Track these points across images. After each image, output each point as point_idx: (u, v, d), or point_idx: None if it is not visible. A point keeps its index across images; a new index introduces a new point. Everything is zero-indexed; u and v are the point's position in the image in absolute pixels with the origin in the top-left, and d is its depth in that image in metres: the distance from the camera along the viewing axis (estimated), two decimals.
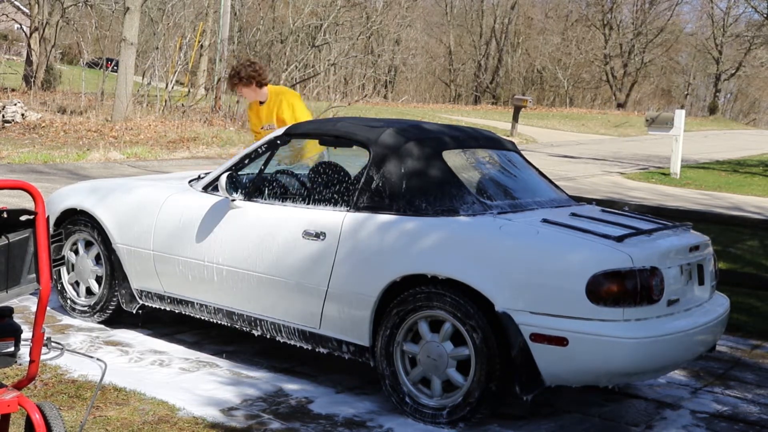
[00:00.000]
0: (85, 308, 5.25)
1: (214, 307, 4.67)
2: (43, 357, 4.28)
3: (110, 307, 5.14)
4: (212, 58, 27.51)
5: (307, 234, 4.30)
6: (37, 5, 25.24)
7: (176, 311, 4.90)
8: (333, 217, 4.27)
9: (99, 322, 5.21)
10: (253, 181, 4.67)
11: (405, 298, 3.98)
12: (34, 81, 22.90)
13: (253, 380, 4.42)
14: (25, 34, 27.69)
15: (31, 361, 2.87)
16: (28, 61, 25.52)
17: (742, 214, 11.96)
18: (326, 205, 4.37)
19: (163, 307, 4.94)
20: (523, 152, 5.11)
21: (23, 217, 2.79)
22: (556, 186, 4.90)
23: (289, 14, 29.95)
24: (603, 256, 3.71)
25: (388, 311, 4.03)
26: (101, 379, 4.15)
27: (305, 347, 4.38)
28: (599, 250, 3.75)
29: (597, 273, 3.64)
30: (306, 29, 31.07)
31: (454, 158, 4.42)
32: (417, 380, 4.03)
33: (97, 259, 5.20)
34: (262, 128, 5.99)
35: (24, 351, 3.05)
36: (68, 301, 5.34)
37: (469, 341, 3.82)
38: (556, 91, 57.22)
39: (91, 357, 4.55)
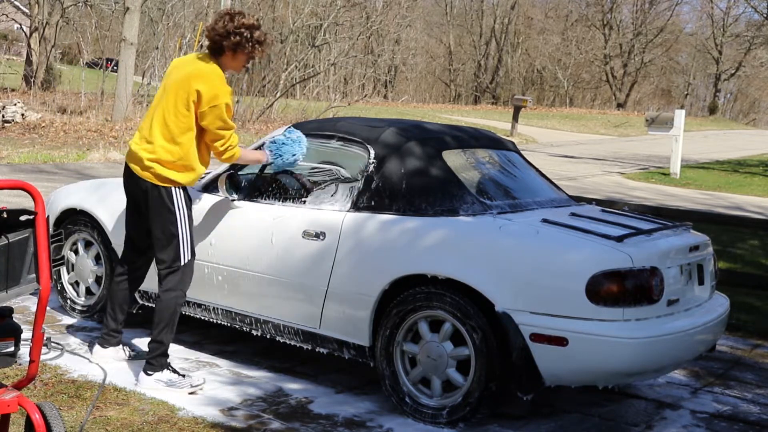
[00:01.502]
0: (85, 308, 5.25)
1: (213, 307, 4.67)
2: (42, 357, 4.28)
3: None
4: None
5: (307, 234, 4.30)
6: (37, 5, 25.24)
7: None
8: (333, 217, 4.27)
9: (99, 323, 5.21)
10: (253, 181, 4.67)
11: (405, 298, 3.98)
12: (34, 81, 22.90)
13: (253, 380, 4.42)
14: (25, 34, 27.69)
15: (31, 361, 2.87)
16: (28, 61, 25.53)
17: (742, 214, 11.96)
18: (326, 204, 4.36)
19: None
20: (523, 152, 5.11)
21: (23, 217, 2.79)
22: (556, 186, 4.90)
23: (289, 14, 29.95)
24: (603, 256, 3.71)
25: (388, 311, 4.03)
26: (104, 381, 4.16)
27: (305, 347, 4.38)
28: (599, 250, 3.75)
29: (597, 273, 3.64)
30: (306, 29, 31.07)
31: (454, 158, 4.42)
32: (417, 380, 4.03)
33: (97, 259, 5.20)
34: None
35: (24, 351, 3.05)
36: (68, 301, 5.34)
37: (469, 341, 3.82)
38: (556, 91, 57.22)
39: (91, 360, 4.55)
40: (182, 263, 4.20)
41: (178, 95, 4.14)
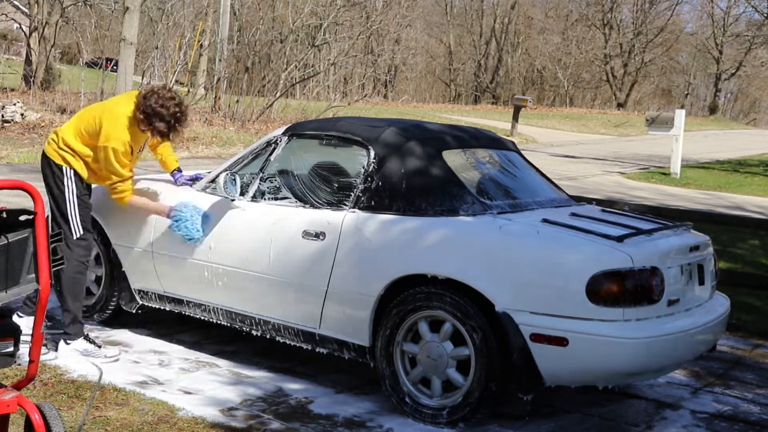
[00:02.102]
0: (85, 308, 5.23)
1: (213, 307, 4.66)
2: (42, 357, 4.28)
3: (110, 307, 5.13)
4: (212, 58, 27.49)
5: (306, 234, 4.29)
6: (36, 5, 25.20)
7: (176, 311, 4.90)
8: (333, 217, 4.26)
9: (98, 322, 5.20)
10: (252, 180, 4.66)
11: (405, 298, 3.98)
12: (33, 81, 22.87)
13: (253, 380, 4.42)
14: (25, 34, 27.65)
15: (30, 361, 2.87)
16: (28, 61, 25.49)
17: (742, 214, 11.95)
18: (326, 204, 4.36)
19: (162, 307, 4.94)
20: (523, 152, 5.10)
21: (22, 217, 2.79)
22: (556, 186, 4.89)
23: (289, 14, 29.93)
24: (603, 256, 3.71)
25: (388, 311, 4.03)
26: (98, 382, 4.15)
27: (305, 347, 4.38)
28: (599, 250, 3.75)
29: (597, 273, 3.64)
30: (306, 29, 31.05)
31: (454, 158, 4.42)
32: (417, 380, 4.02)
33: (97, 259, 5.19)
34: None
35: (23, 351, 3.05)
36: None
37: (469, 341, 3.82)
38: (556, 91, 57.17)
39: (93, 357, 4.54)
40: (74, 237, 4.58)
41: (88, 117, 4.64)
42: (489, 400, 3.82)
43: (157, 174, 5.52)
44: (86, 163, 4.66)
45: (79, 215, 4.63)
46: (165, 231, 4.79)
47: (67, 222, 4.60)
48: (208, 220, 4.61)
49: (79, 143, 4.62)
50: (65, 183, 4.62)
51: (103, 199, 5.14)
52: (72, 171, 4.63)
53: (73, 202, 4.62)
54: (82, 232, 4.62)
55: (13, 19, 34.20)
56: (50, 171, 4.67)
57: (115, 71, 18.97)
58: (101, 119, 4.55)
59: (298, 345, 4.40)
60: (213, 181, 4.75)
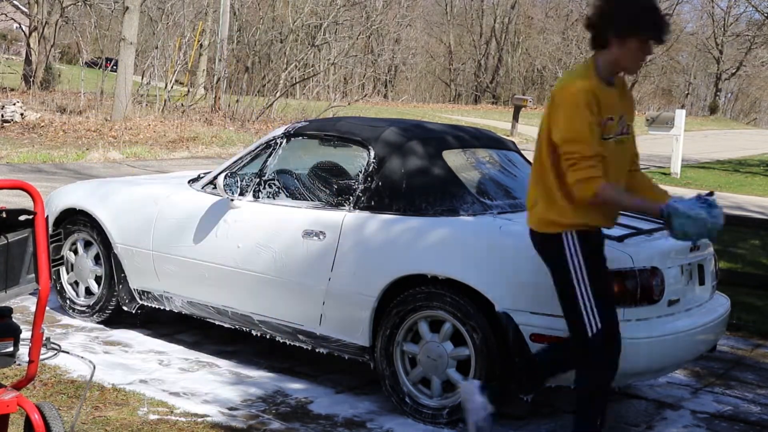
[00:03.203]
0: (85, 308, 5.24)
1: (213, 307, 4.66)
2: (42, 357, 4.27)
3: (109, 307, 5.12)
4: (212, 58, 27.50)
5: (307, 234, 4.29)
6: (36, 4, 25.21)
7: (176, 311, 4.89)
8: (333, 217, 4.26)
9: (98, 322, 5.20)
10: (252, 180, 4.66)
11: (405, 298, 3.98)
12: (33, 80, 22.88)
13: (253, 380, 4.42)
14: (24, 34, 27.65)
15: (30, 362, 2.87)
16: (27, 61, 25.49)
17: (743, 214, 11.95)
18: (326, 204, 4.36)
19: (162, 307, 4.93)
20: (523, 152, 5.09)
21: (22, 217, 2.79)
22: None
23: (289, 13, 29.96)
24: None
25: (388, 311, 4.02)
26: (90, 379, 4.15)
27: (305, 347, 4.37)
28: None
29: None
30: (306, 28, 31.07)
31: (454, 158, 4.41)
32: (417, 380, 4.02)
33: (97, 258, 5.19)
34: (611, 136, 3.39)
35: (23, 351, 3.04)
36: (67, 301, 5.33)
37: (469, 341, 3.82)
38: None
39: (82, 357, 4.53)
40: (589, 334, 3.19)
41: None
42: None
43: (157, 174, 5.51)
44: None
45: (593, 298, 3.15)
46: (165, 231, 4.79)
47: (575, 309, 3.15)
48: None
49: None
50: (564, 252, 3.22)
51: (102, 198, 5.14)
52: (565, 231, 3.21)
53: (581, 274, 3.18)
54: (600, 325, 3.10)
55: (12, 18, 34.19)
56: (540, 248, 3.37)
57: (115, 71, 18.97)
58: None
59: (298, 345, 4.40)
60: (212, 181, 4.74)
